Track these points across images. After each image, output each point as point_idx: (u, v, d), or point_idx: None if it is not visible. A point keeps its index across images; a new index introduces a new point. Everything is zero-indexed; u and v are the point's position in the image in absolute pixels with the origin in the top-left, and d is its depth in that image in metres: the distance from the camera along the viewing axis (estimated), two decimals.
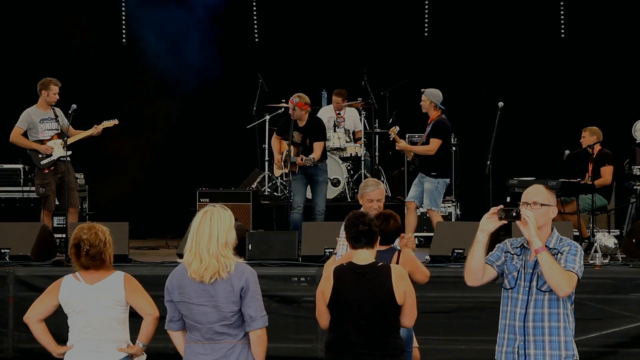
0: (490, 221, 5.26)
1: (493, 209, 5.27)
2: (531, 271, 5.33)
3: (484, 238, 5.28)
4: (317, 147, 11.67)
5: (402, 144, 11.72)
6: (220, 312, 5.46)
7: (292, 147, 11.64)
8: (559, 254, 5.32)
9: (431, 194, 11.26)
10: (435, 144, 11.25)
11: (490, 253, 5.42)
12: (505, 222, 5.25)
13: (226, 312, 5.46)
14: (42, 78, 11.74)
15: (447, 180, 11.56)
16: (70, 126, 11.48)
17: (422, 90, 11.73)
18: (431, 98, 11.45)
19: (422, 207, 11.51)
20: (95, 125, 11.76)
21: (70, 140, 11.47)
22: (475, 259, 5.30)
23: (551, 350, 5.31)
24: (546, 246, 5.34)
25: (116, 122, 11.90)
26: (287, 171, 11.94)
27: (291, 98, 11.72)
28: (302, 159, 11.51)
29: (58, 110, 11.71)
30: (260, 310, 5.50)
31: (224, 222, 5.46)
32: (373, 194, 7.65)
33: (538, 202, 5.35)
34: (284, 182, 13.46)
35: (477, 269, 5.33)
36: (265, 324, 5.53)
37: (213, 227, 5.43)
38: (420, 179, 11.41)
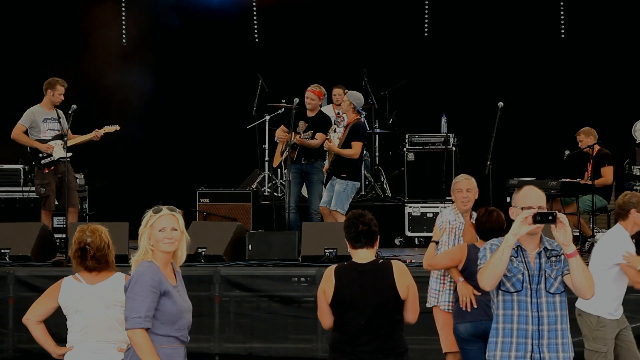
0: (524, 224, 5.15)
1: (526, 212, 5.16)
2: (537, 273, 5.28)
3: (515, 242, 5.19)
4: (319, 136, 11.67)
5: (331, 144, 11.69)
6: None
7: (294, 134, 11.63)
8: (561, 256, 5.28)
9: (339, 195, 11.39)
10: (358, 147, 11.47)
11: (485, 256, 5.31)
12: (541, 225, 5.15)
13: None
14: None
15: (357, 184, 11.77)
16: (69, 130, 11.51)
17: (340, 91, 11.90)
18: (352, 100, 11.63)
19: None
20: (97, 130, 11.75)
21: (70, 143, 11.47)
22: (504, 263, 5.17)
23: (564, 353, 5.29)
24: (546, 248, 5.32)
25: (117, 127, 11.88)
26: (285, 156, 11.88)
27: (312, 88, 11.77)
28: (300, 136, 11.53)
29: (61, 112, 11.71)
30: (133, 311, 5.31)
31: (144, 219, 5.53)
32: (462, 184, 7.96)
33: (543, 206, 5.28)
34: (284, 183, 13.45)
35: (502, 273, 5.20)
36: (133, 325, 5.30)
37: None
38: (331, 182, 11.55)
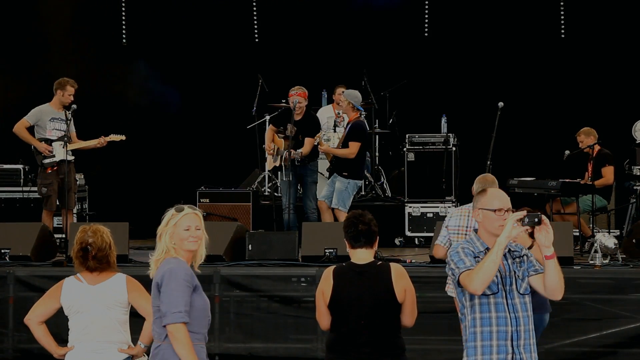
0: (516, 226, 5.11)
1: (518, 215, 5.13)
2: (508, 274, 5.26)
3: (507, 244, 5.16)
4: (308, 142, 11.68)
5: (324, 147, 11.70)
6: (153, 307, 5.43)
7: (283, 140, 11.64)
8: (524, 257, 5.29)
9: (340, 194, 11.44)
10: (354, 147, 11.48)
11: (462, 260, 5.23)
12: (528, 227, 5.13)
13: (154, 308, 5.42)
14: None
15: (359, 182, 11.86)
16: (74, 133, 11.52)
17: (342, 90, 11.94)
18: (349, 99, 11.65)
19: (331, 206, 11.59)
20: (102, 136, 11.72)
21: (73, 147, 11.46)
22: (497, 265, 5.11)
23: (534, 353, 5.30)
24: (510, 250, 5.30)
25: (123, 137, 11.85)
26: (278, 165, 11.92)
27: (298, 92, 11.75)
28: (290, 153, 11.55)
29: (69, 114, 11.66)
30: (173, 306, 5.28)
31: (165, 218, 5.49)
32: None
33: (511, 207, 5.30)
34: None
35: (494, 276, 5.14)
36: (175, 320, 5.27)
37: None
38: (333, 179, 11.61)
